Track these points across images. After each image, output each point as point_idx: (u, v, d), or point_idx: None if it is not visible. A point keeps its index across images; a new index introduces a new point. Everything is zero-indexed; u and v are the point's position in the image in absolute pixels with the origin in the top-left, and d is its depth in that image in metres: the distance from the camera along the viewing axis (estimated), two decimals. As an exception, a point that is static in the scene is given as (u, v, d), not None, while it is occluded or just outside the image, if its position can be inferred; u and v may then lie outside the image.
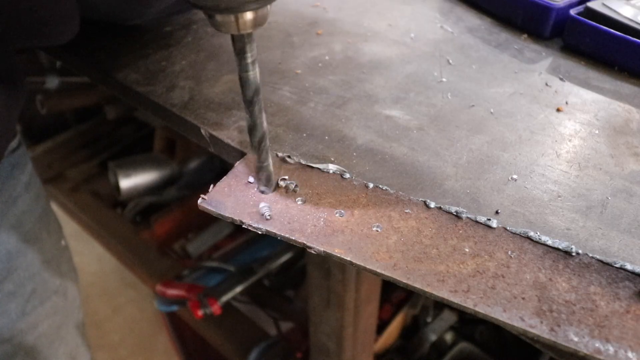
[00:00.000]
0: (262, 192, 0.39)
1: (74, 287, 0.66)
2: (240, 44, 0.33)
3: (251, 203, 0.38)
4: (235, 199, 0.38)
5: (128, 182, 1.15)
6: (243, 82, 0.35)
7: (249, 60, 0.33)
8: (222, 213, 0.37)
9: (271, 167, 0.39)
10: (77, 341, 0.67)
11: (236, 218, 0.37)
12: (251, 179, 0.40)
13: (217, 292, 0.96)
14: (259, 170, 0.38)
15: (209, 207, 0.38)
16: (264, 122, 0.37)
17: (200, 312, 0.93)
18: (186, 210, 1.15)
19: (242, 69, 0.34)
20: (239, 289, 0.98)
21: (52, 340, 0.62)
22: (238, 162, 0.42)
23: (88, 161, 1.31)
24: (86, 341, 0.70)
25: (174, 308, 0.99)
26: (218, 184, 0.40)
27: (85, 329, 0.70)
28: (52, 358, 0.62)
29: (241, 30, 0.32)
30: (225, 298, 0.96)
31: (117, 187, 1.16)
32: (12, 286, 0.55)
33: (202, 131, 0.47)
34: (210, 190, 0.39)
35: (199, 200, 0.38)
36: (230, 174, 0.41)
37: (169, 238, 1.15)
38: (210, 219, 1.16)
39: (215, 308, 0.94)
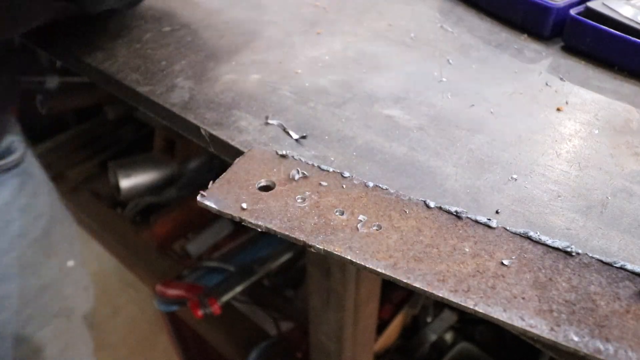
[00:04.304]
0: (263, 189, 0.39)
1: (81, 307, 0.65)
2: None
3: (251, 200, 0.38)
4: (235, 195, 0.38)
5: (128, 182, 1.15)
6: None
7: None
8: (221, 209, 0.37)
9: None
10: None
11: (235, 215, 0.37)
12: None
13: (217, 292, 0.96)
14: None
15: (208, 203, 0.38)
16: None
17: (200, 312, 0.93)
18: (186, 210, 1.15)
19: None
20: (239, 289, 0.98)
21: None
22: (238, 158, 0.42)
23: (88, 161, 1.31)
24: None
25: (174, 308, 0.99)
26: (218, 179, 0.40)
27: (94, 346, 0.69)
28: None
29: None
30: (225, 298, 0.95)
31: (117, 187, 1.16)
32: (6, 314, 0.54)
33: (202, 131, 0.47)
34: (210, 186, 0.39)
35: (198, 197, 0.38)
36: (229, 171, 0.41)
37: (169, 238, 1.15)
38: (210, 219, 1.16)
39: (215, 308, 0.94)
